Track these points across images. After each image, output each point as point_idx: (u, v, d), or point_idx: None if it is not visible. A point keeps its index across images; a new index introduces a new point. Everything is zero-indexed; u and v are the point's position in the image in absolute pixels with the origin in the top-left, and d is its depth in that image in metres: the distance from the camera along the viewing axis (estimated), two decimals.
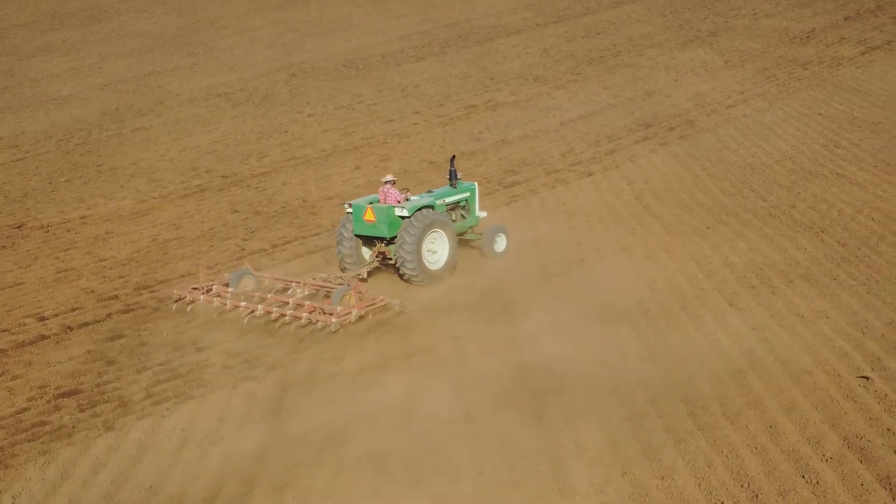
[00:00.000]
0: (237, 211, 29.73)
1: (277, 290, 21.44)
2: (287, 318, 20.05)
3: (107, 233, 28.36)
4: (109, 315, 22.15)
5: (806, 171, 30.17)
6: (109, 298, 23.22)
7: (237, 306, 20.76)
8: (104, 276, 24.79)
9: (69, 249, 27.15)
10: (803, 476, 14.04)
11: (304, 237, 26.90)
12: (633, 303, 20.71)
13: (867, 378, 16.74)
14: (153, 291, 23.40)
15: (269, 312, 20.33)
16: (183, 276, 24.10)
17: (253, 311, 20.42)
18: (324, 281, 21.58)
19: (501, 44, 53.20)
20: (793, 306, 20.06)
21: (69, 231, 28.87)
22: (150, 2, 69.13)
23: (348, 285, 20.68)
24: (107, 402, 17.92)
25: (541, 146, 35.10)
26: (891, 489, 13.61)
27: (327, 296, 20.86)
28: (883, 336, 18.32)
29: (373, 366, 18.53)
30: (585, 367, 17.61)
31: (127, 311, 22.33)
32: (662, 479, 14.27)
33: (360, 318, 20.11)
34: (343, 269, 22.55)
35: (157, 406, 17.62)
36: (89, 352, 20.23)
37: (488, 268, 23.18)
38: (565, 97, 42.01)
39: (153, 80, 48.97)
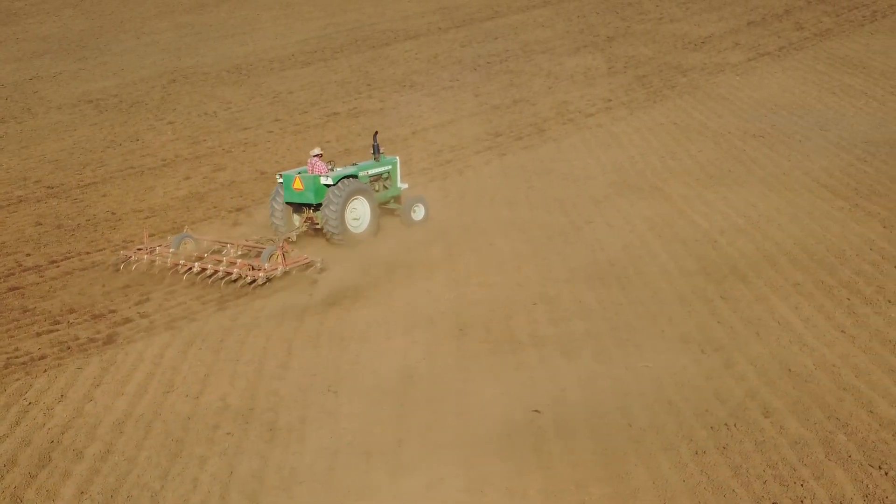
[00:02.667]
0: (40, 224, 28.99)
1: (214, 251, 23.81)
2: (220, 273, 22.48)
3: None
4: None
5: (626, 184, 29.48)
6: None
7: (177, 265, 23.15)
8: None
9: None
10: None
11: (87, 252, 26.15)
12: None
13: (538, 412, 16.08)
14: None
15: (203, 269, 22.77)
16: None
17: (190, 269, 22.86)
18: (255, 242, 24.10)
19: (395, 49, 52.49)
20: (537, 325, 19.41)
21: None
22: (62, 4, 68.37)
23: (276, 245, 22.99)
24: None
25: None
26: None
27: (258, 255, 23.08)
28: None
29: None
30: None
31: None
32: None
33: (286, 273, 22.50)
34: (275, 233, 24.81)
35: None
36: None
37: None
38: (431, 105, 41.31)
39: (31, 85, 48.20)
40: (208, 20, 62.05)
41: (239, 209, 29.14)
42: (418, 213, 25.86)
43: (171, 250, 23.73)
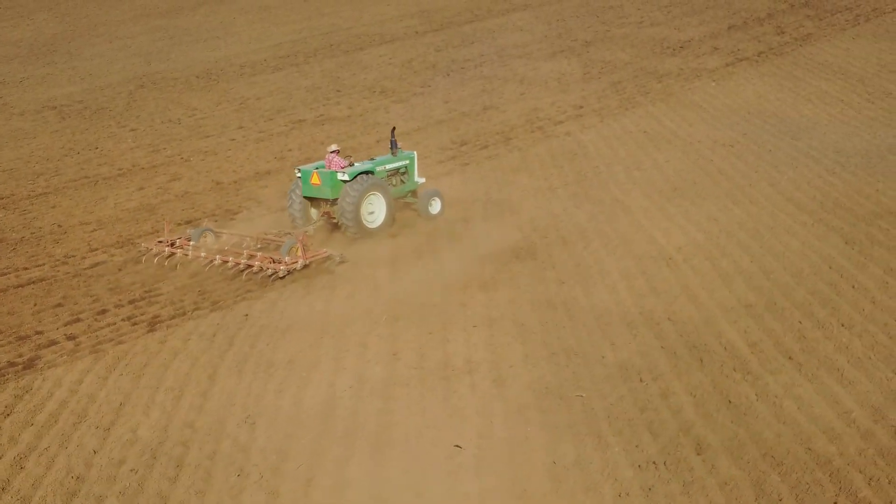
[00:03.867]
0: None
1: (234, 245, 24.24)
2: (241, 265, 22.87)
3: None
4: None
5: (587, 196, 28.65)
6: None
7: (197, 257, 23.62)
8: None
9: None
10: None
11: (26, 268, 25.27)
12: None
13: (459, 447, 15.22)
14: None
15: (225, 261, 23.19)
16: None
17: (211, 261, 23.32)
18: (275, 235, 24.57)
19: (369, 53, 51.66)
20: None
21: None
22: (37, 7, 67.50)
23: (296, 239, 23.25)
24: None
25: None
26: None
27: (277, 248, 23.52)
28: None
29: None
30: None
31: None
32: None
33: (305, 266, 22.80)
34: (294, 227, 25.34)
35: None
36: None
37: None
38: (401, 112, 40.46)
39: None
40: (183, 24, 61.17)
41: (188, 221, 28.25)
42: (435, 206, 26.36)
43: (191, 243, 24.21)
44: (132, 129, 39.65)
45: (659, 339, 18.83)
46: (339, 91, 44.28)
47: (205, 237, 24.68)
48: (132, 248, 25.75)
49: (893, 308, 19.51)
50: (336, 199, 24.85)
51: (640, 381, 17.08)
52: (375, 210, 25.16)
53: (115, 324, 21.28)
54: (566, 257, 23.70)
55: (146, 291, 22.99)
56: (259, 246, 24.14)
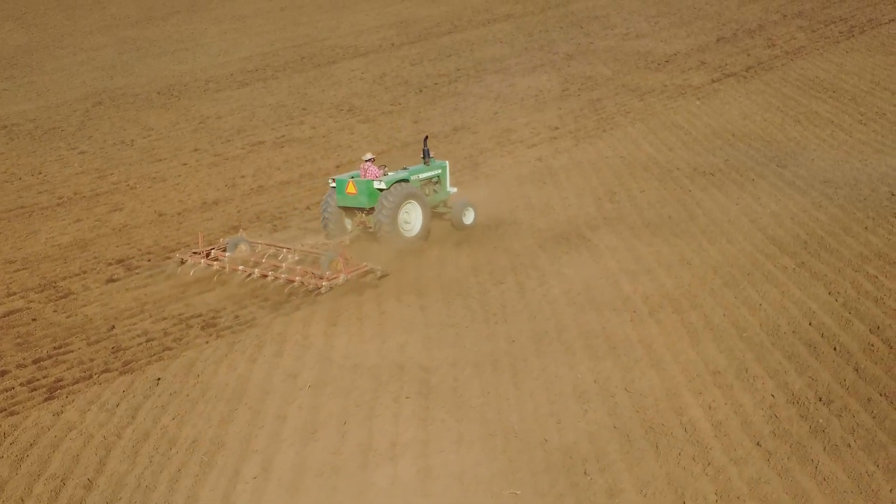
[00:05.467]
0: None
1: (269, 255, 23.56)
2: (281, 280, 22.35)
3: None
4: None
5: (553, 233, 26.41)
6: None
7: (235, 269, 23.20)
8: None
9: None
10: None
11: None
12: None
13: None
14: None
15: (264, 276, 22.66)
16: None
17: (250, 275, 22.88)
18: (311, 247, 23.82)
19: (342, 67, 49.47)
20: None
21: None
22: (4, 17, 65.31)
23: (336, 252, 22.78)
24: None
25: (294, 194, 31.40)
26: None
27: (315, 261, 22.95)
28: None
29: None
30: None
31: None
32: None
33: (346, 280, 22.27)
34: (328, 237, 24.90)
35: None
36: None
37: None
38: (365, 132, 38.31)
39: None
40: (153, 35, 58.97)
41: (120, 261, 26.07)
42: (468, 216, 26.15)
43: (226, 254, 23.85)
44: (81, 152, 37.49)
45: (612, 415, 16.60)
46: (304, 109, 42.10)
47: (240, 248, 24.15)
48: (56, 291, 23.67)
49: (878, 377, 17.27)
50: (372, 207, 24.61)
51: (585, 473, 14.86)
52: (412, 219, 24.97)
53: (11, 389, 19.11)
54: (521, 308, 21.49)
55: (56, 347, 20.86)
56: (297, 258, 23.50)
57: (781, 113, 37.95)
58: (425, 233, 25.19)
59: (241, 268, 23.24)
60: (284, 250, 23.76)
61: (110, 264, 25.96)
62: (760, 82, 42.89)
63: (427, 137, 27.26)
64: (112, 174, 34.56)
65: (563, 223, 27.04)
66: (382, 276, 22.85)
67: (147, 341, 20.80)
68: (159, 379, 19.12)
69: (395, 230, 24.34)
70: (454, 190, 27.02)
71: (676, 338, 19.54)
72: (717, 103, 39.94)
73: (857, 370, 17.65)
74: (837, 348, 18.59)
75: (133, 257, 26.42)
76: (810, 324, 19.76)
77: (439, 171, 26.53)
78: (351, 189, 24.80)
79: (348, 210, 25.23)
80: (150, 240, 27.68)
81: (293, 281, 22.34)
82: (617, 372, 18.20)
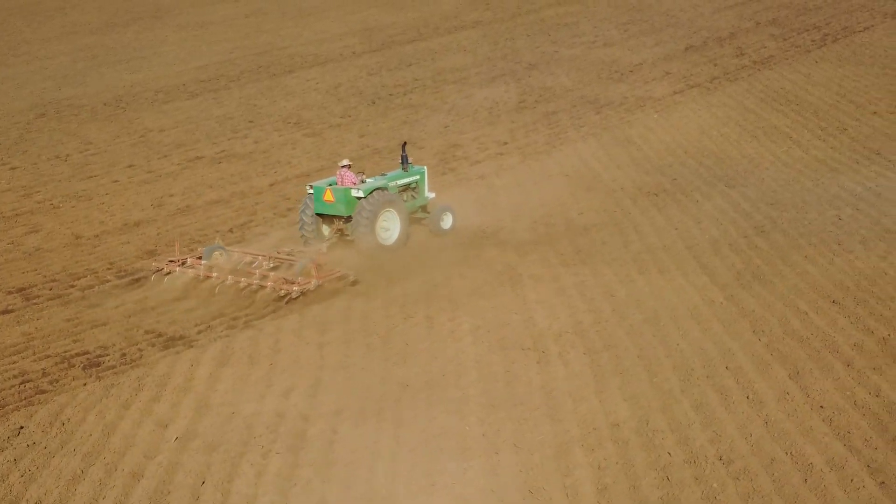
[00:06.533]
0: None
1: (245, 263, 23.61)
2: (254, 286, 22.47)
3: None
4: None
5: (478, 260, 25.00)
6: None
7: (209, 276, 23.10)
8: None
9: None
10: None
11: None
12: None
13: None
14: None
15: (238, 282, 22.67)
16: None
17: (224, 281, 22.76)
18: (287, 255, 23.87)
19: (297, 77, 48.09)
20: None
21: None
22: None
23: (309, 258, 22.92)
24: None
25: (221, 215, 30.02)
26: None
27: (290, 267, 23.01)
28: None
29: None
30: None
31: None
32: None
33: (318, 286, 22.33)
34: (305, 244, 24.84)
35: None
36: None
37: None
38: (309, 147, 36.95)
39: None
40: (111, 42, 57.60)
41: (21, 290, 24.67)
42: (447, 221, 26.12)
43: (202, 262, 23.65)
44: (13, 168, 36.09)
45: (492, 476, 15.26)
46: (251, 122, 40.72)
47: (217, 256, 24.00)
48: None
49: (788, 433, 15.87)
50: (350, 215, 24.49)
51: None
52: (390, 226, 24.95)
53: None
54: (424, 347, 20.11)
55: None
56: (272, 265, 23.49)
57: (740, 127, 36.59)
58: (404, 239, 25.17)
59: (214, 274, 23.14)
60: (260, 258, 23.78)
61: (10, 293, 24.56)
62: (724, 94, 41.51)
63: (405, 143, 27.26)
64: (39, 192, 33.17)
65: (490, 249, 25.63)
66: (354, 283, 22.85)
67: (22, 383, 19.39)
68: (22, 427, 17.72)
69: (373, 238, 24.29)
70: (433, 195, 26.90)
71: (582, 383, 18.14)
72: (675, 117, 38.55)
73: (766, 423, 16.27)
74: (750, 397, 17.24)
75: (36, 285, 25.02)
76: (727, 367, 18.40)
77: (417, 176, 26.46)
78: (328, 197, 24.67)
79: (325, 217, 25.14)
80: (59, 265, 26.30)
81: (265, 287, 22.35)
82: (509, 424, 16.80)
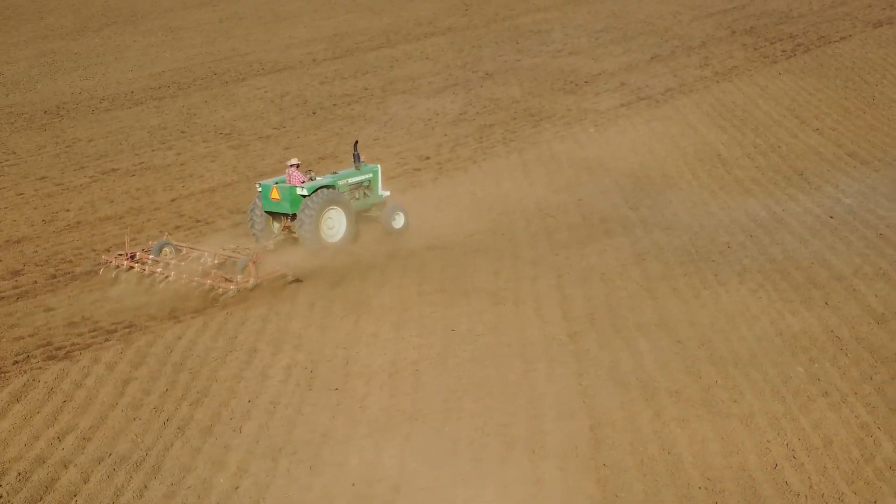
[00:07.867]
0: None
1: (192, 259, 23.90)
2: (195, 283, 22.77)
3: None
4: None
5: (337, 293, 23.80)
6: None
7: (154, 272, 23.49)
8: None
9: None
10: None
11: None
12: None
13: None
14: None
15: (179, 278, 23.03)
16: None
17: (167, 277, 23.18)
18: (232, 251, 24.27)
19: (247, 85, 47.19)
20: None
21: None
22: None
23: (249, 257, 23.18)
24: None
25: (107, 232, 29.07)
26: None
27: (235, 264, 23.38)
28: None
29: None
30: None
31: None
32: None
33: (256, 285, 22.59)
34: (255, 240, 25.33)
35: None
36: None
37: None
38: (228, 160, 36.01)
39: None
40: (77, 48, 57.05)
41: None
42: (398, 220, 26.39)
43: (150, 256, 24.03)
44: None
45: None
46: (183, 132, 39.84)
47: (165, 251, 24.33)
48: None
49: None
50: (296, 213, 24.79)
51: None
52: (335, 225, 25.15)
53: None
54: (228, 385, 18.95)
55: None
56: (217, 262, 23.73)
57: (672, 144, 35.16)
58: (350, 238, 25.37)
59: (158, 270, 23.45)
60: (205, 254, 23.98)
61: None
62: (671, 108, 40.04)
63: (357, 142, 27.42)
64: None
65: (356, 277, 24.45)
66: (295, 281, 23.11)
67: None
68: None
69: (317, 236, 24.57)
70: (387, 193, 27.08)
71: (364, 433, 16.93)
72: (612, 132, 37.16)
73: (538, 482, 14.95)
74: (536, 451, 15.91)
75: None
76: (532, 416, 17.10)
77: (370, 175, 26.62)
78: (275, 195, 25.01)
79: (275, 215, 25.49)
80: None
81: (205, 283, 22.60)
82: (274, 477, 15.62)
